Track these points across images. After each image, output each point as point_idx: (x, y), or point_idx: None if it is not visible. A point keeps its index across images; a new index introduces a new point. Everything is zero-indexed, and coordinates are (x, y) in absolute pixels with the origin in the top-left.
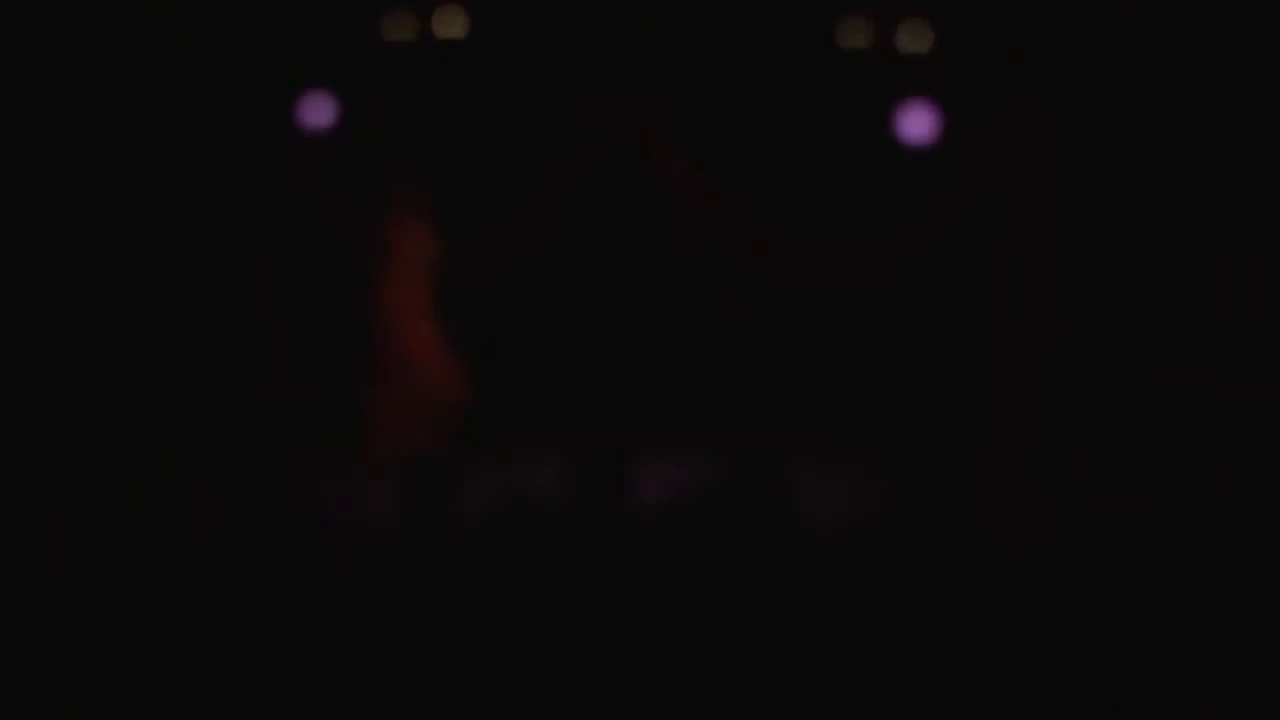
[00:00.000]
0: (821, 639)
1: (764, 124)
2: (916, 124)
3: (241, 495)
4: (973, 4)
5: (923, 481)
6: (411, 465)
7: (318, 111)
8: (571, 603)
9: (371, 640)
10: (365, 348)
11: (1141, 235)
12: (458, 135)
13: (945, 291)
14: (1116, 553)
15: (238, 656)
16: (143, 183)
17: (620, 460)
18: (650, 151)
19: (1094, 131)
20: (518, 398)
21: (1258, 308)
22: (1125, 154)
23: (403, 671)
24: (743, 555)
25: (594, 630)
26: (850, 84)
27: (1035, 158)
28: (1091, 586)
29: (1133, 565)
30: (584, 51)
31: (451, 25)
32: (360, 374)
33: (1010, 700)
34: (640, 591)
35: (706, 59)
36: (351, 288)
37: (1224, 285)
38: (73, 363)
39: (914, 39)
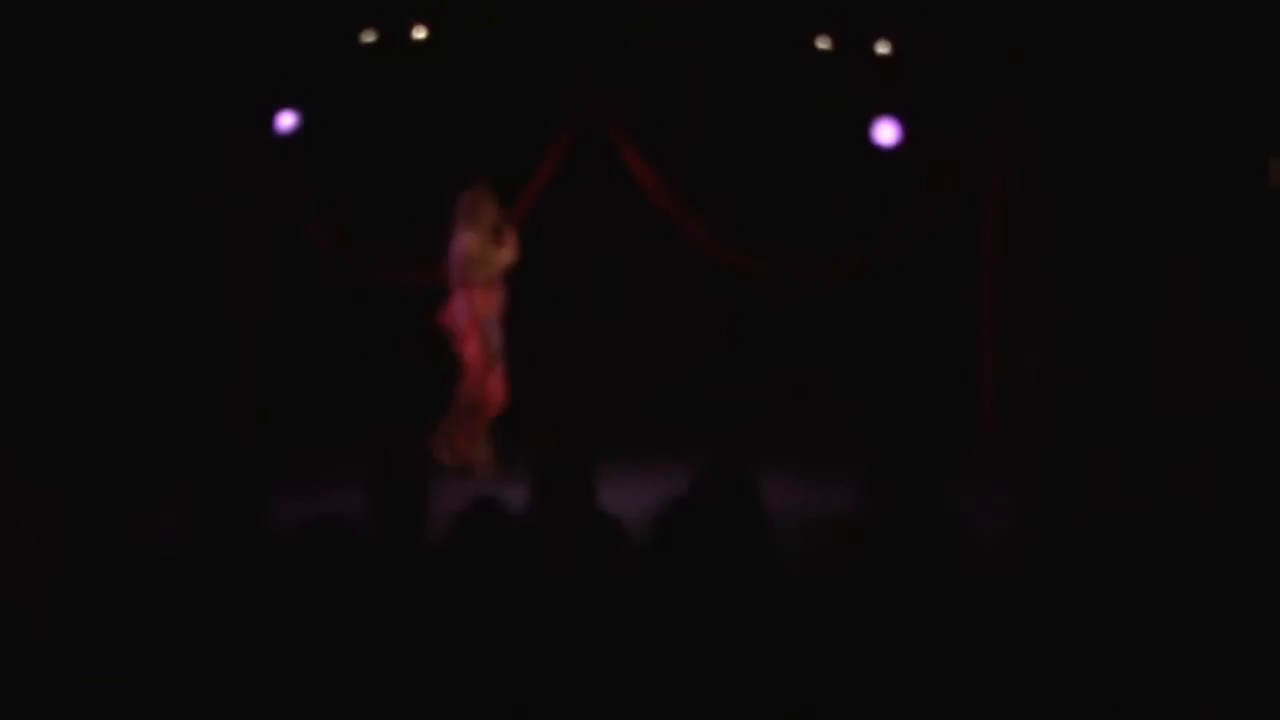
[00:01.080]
0: (799, 647)
1: (735, 129)
2: (887, 131)
3: (212, 499)
4: (948, 11)
5: (900, 483)
6: (382, 472)
7: (287, 118)
8: (535, 613)
9: (341, 645)
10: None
11: (1125, 235)
12: (438, 141)
13: (924, 293)
14: (1097, 555)
15: (207, 661)
16: (137, 191)
17: (586, 471)
18: (621, 155)
19: (1076, 134)
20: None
21: (1244, 307)
22: (1108, 155)
23: (371, 678)
24: (715, 565)
25: (559, 643)
26: (823, 89)
27: (1016, 160)
28: (1072, 589)
29: (1113, 568)
30: (561, 58)
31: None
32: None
33: (995, 702)
34: (606, 603)
35: (677, 63)
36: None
37: (1210, 285)
38: (77, 362)
39: (886, 44)
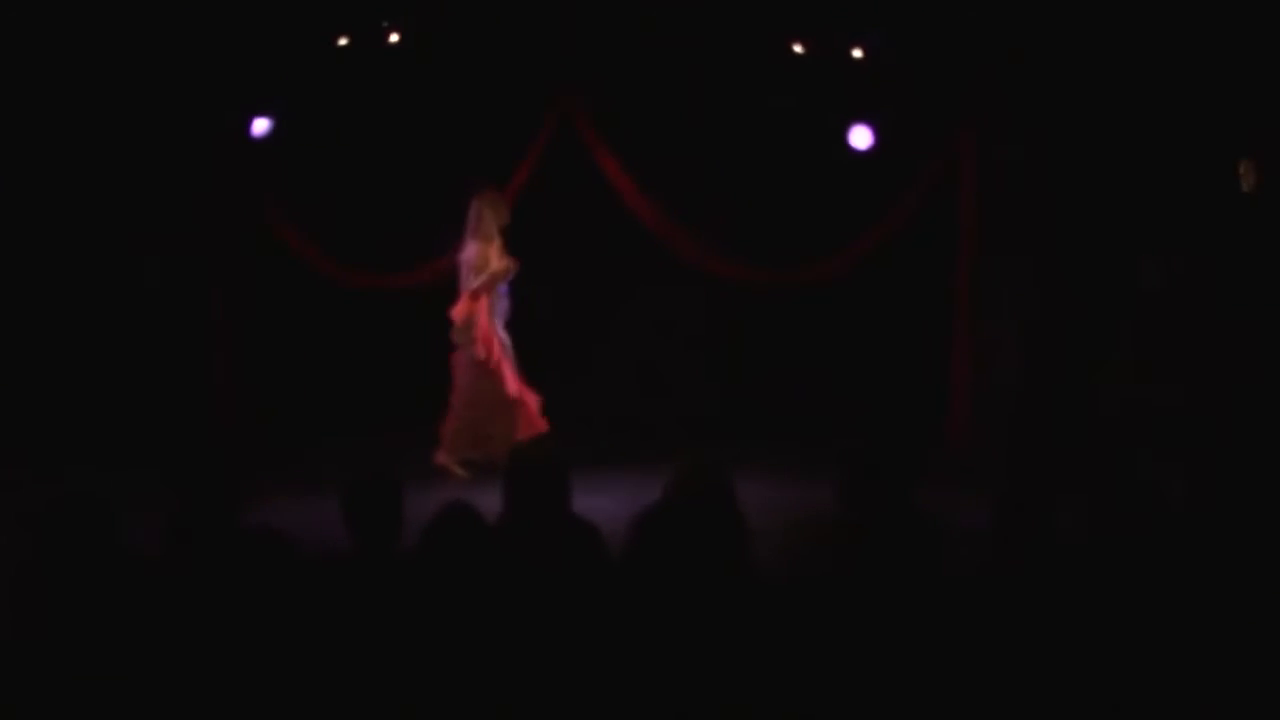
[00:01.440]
0: (774, 650)
1: (713, 133)
2: (862, 135)
3: (196, 507)
4: (922, 14)
5: (873, 485)
6: (356, 479)
7: (262, 123)
8: (510, 619)
9: (315, 653)
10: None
11: (1099, 237)
12: (419, 144)
13: (901, 295)
14: (1076, 556)
15: (185, 672)
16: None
17: (560, 475)
18: (596, 158)
19: (1049, 138)
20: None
21: (1220, 308)
22: (1082, 159)
23: (344, 685)
24: (690, 568)
25: (533, 649)
26: (799, 93)
27: (990, 163)
28: (1052, 591)
29: (1093, 569)
30: (537, 62)
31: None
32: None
33: (975, 704)
34: (581, 608)
35: (655, 68)
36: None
37: (1185, 286)
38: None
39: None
